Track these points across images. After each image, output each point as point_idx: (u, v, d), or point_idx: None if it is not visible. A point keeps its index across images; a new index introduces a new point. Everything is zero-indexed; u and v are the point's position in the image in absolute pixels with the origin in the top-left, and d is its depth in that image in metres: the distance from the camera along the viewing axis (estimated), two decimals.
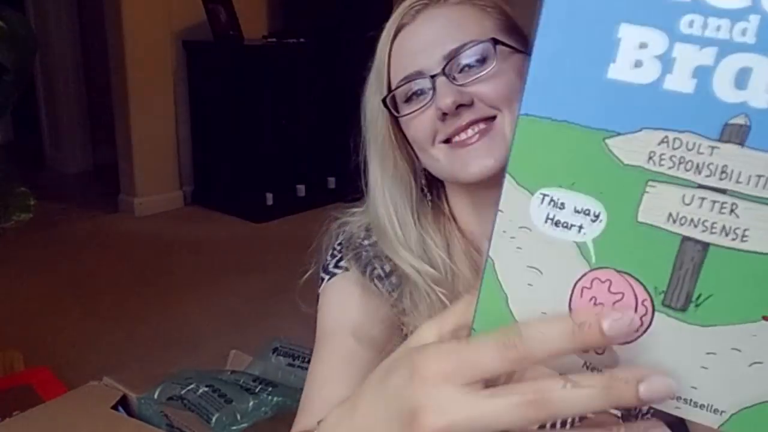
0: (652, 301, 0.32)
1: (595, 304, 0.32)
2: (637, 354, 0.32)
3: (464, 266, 0.75)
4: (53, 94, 4.66)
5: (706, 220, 0.30)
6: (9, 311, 2.57)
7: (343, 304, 0.76)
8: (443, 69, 0.70)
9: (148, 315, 2.68)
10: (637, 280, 0.32)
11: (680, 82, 0.29)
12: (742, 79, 0.28)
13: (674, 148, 0.29)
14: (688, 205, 0.30)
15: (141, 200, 3.86)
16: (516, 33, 0.74)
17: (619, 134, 0.30)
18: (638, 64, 0.29)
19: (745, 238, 0.29)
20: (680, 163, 0.29)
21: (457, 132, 0.70)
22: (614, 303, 0.32)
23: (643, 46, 0.29)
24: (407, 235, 0.75)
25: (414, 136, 0.74)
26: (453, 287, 0.73)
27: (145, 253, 3.37)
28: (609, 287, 0.32)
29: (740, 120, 0.28)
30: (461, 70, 0.70)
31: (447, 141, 0.71)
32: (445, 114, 0.69)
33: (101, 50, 3.97)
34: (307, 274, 0.83)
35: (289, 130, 3.86)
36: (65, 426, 1.62)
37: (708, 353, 0.31)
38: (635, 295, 0.32)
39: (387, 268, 0.76)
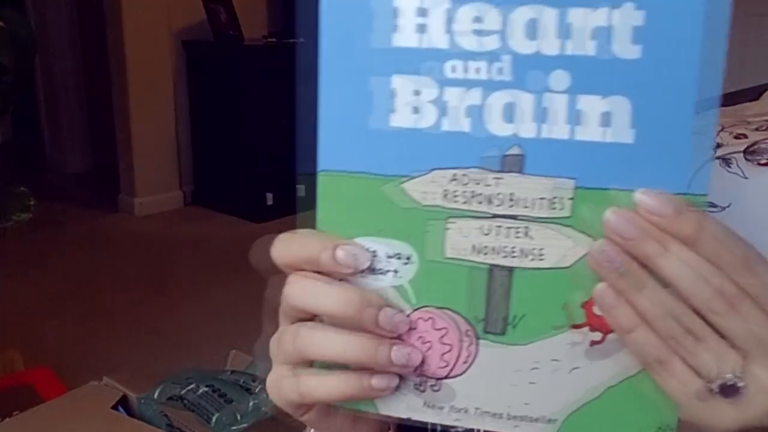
0: (474, 330, 0.34)
1: (423, 343, 0.34)
2: (471, 383, 0.34)
3: None
4: (53, 94, 4.66)
5: (506, 246, 0.33)
6: (9, 311, 2.57)
7: None
8: None
9: (148, 315, 2.68)
10: (458, 312, 0.34)
11: (456, 122, 0.32)
12: (509, 113, 0.31)
13: (464, 184, 0.32)
14: (487, 234, 0.33)
15: (141, 200, 3.86)
16: None
17: (413, 177, 0.33)
18: (416, 110, 0.32)
19: (542, 257, 0.32)
20: (472, 197, 0.32)
21: None
22: (440, 338, 0.34)
23: (416, 93, 0.32)
24: None
25: None
26: None
27: (145, 253, 3.37)
28: (433, 324, 0.34)
29: (515, 150, 0.31)
30: None
31: None
32: None
33: (101, 50, 3.97)
34: None
35: (289, 130, 3.86)
36: (65, 426, 1.62)
37: (532, 368, 0.34)
38: (458, 328, 0.34)
39: None
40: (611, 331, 0.33)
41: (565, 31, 0.30)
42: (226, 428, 1.65)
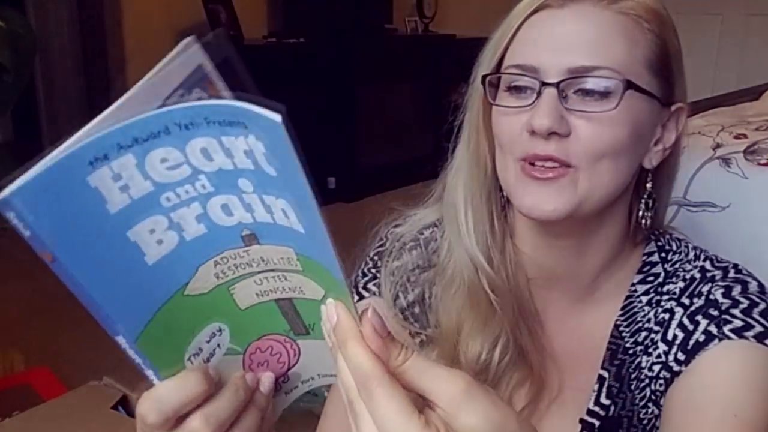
0: (289, 336, 0.47)
1: (263, 364, 0.48)
2: (307, 364, 0.48)
3: (506, 288, 0.71)
4: (53, 94, 4.65)
5: (278, 287, 0.43)
6: (9, 311, 2.57)
7: None
8: (559, 82, 0.61)
9: None
10: (272, 332, 0.46)
11: (195, 229, 0.40)
12: (227, 210, 0.40)
13: (226, 263, 0.42)
14: (261, 284, 0.43)
15: None
16: (662, 71, 0.65)
17: (187, 282, 0.42)
18: (160, 241, 0.40)
19: (302, 292, 0.43)
20: (237, 267, 0.42)
21: (534, 159, 0.63)
22: (270, 353, 0.47)
23: (152, 231, 0.39)
24: (477, 227, 0.70)
25: (497, 132, 0.67)
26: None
27: None
28: (260, 349, 0.47)
29: (246, 231, 0.41)
30: (577, 91, 0.62)
31: (523, 158, 0.64)
32: (534, 132, 0.62)
33: (101, 50, 3.96)
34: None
35: (289, 130, 3.85)
36: (65, 426, 1.63)
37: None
38: (278, 340, 0.47)
39: (411, 297, 0.75)
40: None
41: (228, 152, 0.37)
42: None
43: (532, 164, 0.63)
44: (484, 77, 0.66)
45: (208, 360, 0.46)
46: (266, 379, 0.48)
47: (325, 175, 4.03)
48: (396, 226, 0.79)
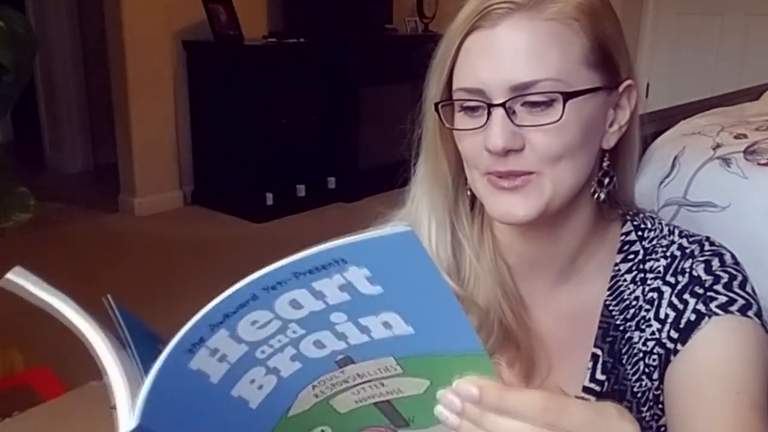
0: (390, 428, 0.51)
1: None
2: None
3: (488, 273, 0.74)
4: (53, 94, 4.66)
5: (377, 392, 0.48)
6: (9, 311, 2.57)
7: None
8: (505, 102, 0.65)
9: (147, 315, 2.66)
10: (374, 424, 0.51)
11: (291, 367, 0.45)
12: (320, 344, 0.44)
13: (323, 383, 0.47)
14: (359, 393, 0.48)
15: (141, 200, 3.86)
16: (602, 61, 0.67)
17: (289, 407, 0.47)
18: (261, 386, 0.45)
19: (401, 392, 0.48)
20: (334, 386, 0.47)
21: (497, 175, 0.67)
22: None
23: (252, 381, 0.44)
24: (439, 237, 0.74)
25: (461, 149, 0.71)
26: (473, 296, 0.73)
27: (145, 253, 3.37)
28: None
29: (340, 356, 0.45)
30: (524, 104, 0.65)
31: (488, 172, 0.68)
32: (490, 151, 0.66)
33: (101, 50, 3.97)
34: None
35: (289, 130, 3.86)
36: (65, 426, 1.63)
37: None
38: (381, 429, 0.51)
39: None
40: None
41: (319, 295, 0.40)
42: None
43: (499, 176, 0.67)
44: (436, 105, 0.70)
45: None
46: None
47: (325, 175, 4.03)
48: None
